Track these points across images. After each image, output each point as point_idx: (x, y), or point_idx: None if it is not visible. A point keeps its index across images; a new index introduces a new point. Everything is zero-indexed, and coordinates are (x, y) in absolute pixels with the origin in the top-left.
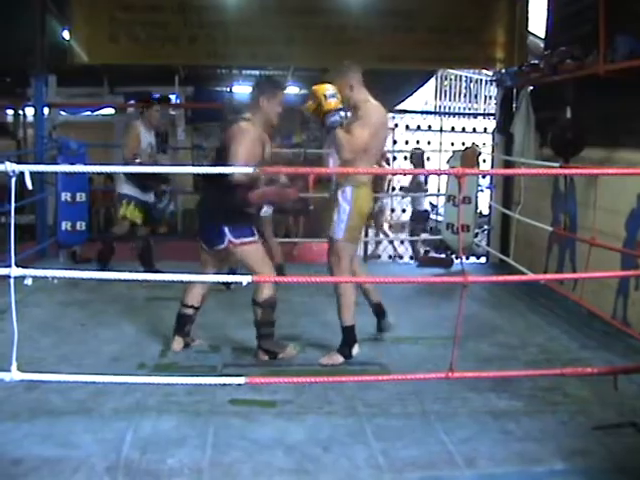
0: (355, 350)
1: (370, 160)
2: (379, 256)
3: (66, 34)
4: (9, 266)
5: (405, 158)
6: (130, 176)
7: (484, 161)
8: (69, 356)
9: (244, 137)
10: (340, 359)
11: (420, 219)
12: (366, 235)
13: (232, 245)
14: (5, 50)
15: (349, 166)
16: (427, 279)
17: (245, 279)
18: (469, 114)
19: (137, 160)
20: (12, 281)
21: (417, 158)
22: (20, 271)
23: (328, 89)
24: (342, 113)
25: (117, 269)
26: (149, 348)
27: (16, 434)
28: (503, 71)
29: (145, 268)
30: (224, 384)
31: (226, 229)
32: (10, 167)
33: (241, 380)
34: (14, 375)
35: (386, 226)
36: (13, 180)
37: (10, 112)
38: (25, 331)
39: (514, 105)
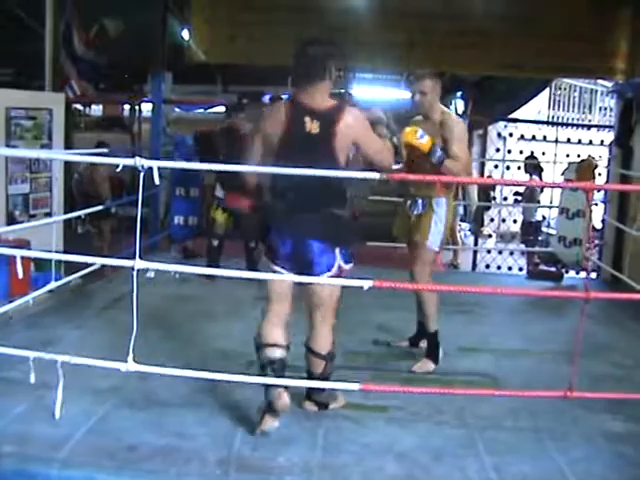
0: (440, 354)
1: None
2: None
3: (185, 33)
4: (133, 258)
5: (519, 168)
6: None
7: (599, 174)
8: (179, 350)
9: None
10: (432, 366)
11: (530, 230)
12: (475, 244)
13: (340, 272)
14: (127, 48)
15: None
16: (546, 292)
17: (367, 283)
18: (586, 125)
19: None
20: (135, 273)
21: (532, 167)
22: (144, 264)
23: (416, 131)
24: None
25: (229, 267)
26: None
27: (132, 421)
28: (622, 82)
29: (210, 264)
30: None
31: (338, 251)
32: (139, 162)
33: (355, 386)
34: (130, 366)
35: (493, 236)
36: (142, 175)
37: (127, 107)
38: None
39: (634, 117)
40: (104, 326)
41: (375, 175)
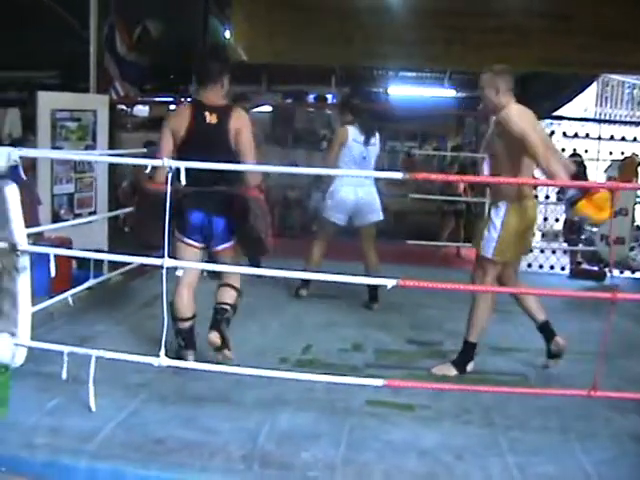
0: (470, 367)
1: (530, 168)
2: None
3: (227, 33)
4: (162, 257)
5: None
6: None
7: None
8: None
9: None
10: (453, 372)
11: (573, 228)
12: None
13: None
14: (170, 49)
15: (509, 177)
16: (573, 293)
17: (390, 282)
18: (630, 122)
19: None
20: (164, 271)
21: (575, 165)
22: (172, 262)
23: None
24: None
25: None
26: (292, 343)
27: (162, 415)
28: None
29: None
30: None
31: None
32: (167, 163)
33: (379, 382)
34: (162, 361)
35: (536, 234)
36: (169, 175)
37: (172, 107)
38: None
39: None
40: (143, 322)
41: (398, 175)
